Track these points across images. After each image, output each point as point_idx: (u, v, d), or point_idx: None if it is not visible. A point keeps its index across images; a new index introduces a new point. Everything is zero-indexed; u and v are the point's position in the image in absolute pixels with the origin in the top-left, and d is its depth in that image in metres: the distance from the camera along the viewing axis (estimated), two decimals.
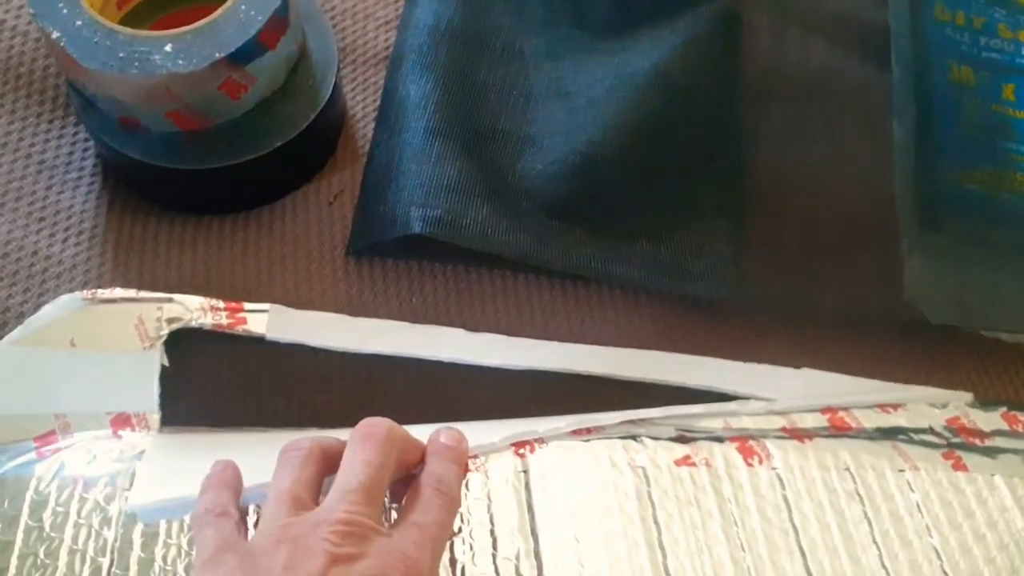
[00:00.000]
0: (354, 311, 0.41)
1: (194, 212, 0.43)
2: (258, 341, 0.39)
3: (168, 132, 0.39)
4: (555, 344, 0.40)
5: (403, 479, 0.31)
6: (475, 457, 0.33)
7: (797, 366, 0.41)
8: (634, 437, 0.35)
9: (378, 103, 0.46)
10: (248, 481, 0.31)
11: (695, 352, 0.41)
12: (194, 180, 0.41)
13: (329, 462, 0.30)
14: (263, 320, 0.39)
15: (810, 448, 0.36)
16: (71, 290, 0.40)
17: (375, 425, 0.30)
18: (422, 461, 0.32)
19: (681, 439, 0.35)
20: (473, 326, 0.41)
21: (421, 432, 0.32)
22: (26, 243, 0.41)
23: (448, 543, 0.31)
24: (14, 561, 0.31)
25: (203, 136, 0.40)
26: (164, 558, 0.31)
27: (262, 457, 0.32)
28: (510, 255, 0.40)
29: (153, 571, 0.31)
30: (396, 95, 0.44)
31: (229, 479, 0.31)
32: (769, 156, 0.44)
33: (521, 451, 0.34)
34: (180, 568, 0.31)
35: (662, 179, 0.42)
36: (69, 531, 0.31)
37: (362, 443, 0.30)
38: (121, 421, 0.36)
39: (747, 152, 0.44)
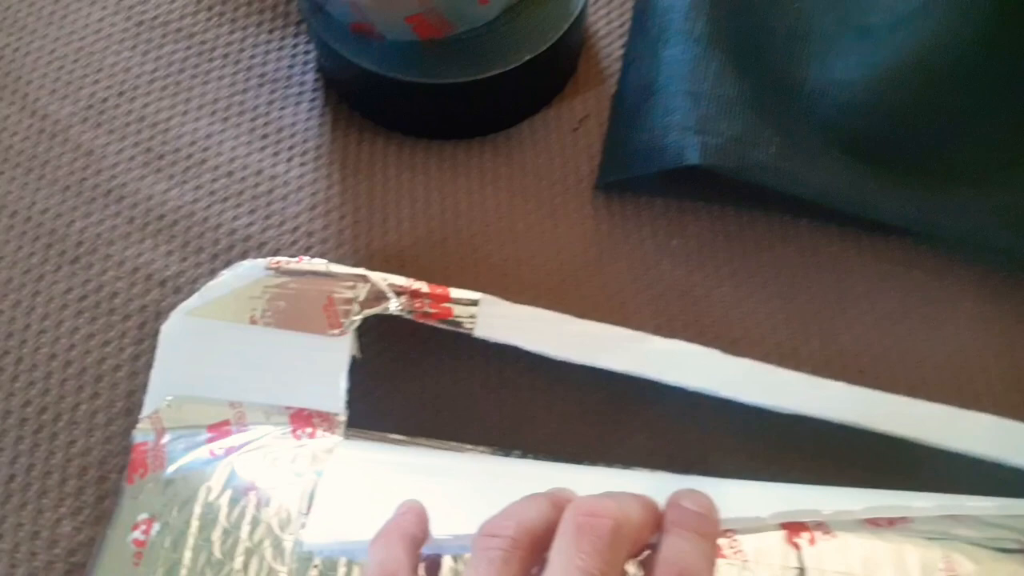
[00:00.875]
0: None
1: (424, 135, 0.38)
2: (464, 338, 0.32)
3: (405, 41, 0.35)
4: (842, 386, 0.31)
5: None
6: (729, 533, 0.26)
7: None
8: (953, 539, 0.26)
9: (624, 18, 0.40)
10: (440, 522, 0.26)
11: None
12: (430, 97, 0.36)
13: (539, 549, 0.23)
14: (472, 313, 0.32)
15: None
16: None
17: (597, 514, 0.23)
18: (657, 531, 0.24)
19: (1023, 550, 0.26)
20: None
21: (651, 485, 0.25)
22: (250, 161, 0.38)
23: None
24: None
25: (443, 47, 0.35)
26: None
27: (459, 490, 0.27)
28: (803, 195, 0.33)
29: None
30: (655, 4, 0.38)
31: (410, 529, 0.25)
32: None
33: (796, 539, 0.26)
34: None
35: (992, 113, 0.35)
36: (239, 559, 0.28)
37: (578, 539, 0.22)
38: (302, 419, 0.31)
39: None
